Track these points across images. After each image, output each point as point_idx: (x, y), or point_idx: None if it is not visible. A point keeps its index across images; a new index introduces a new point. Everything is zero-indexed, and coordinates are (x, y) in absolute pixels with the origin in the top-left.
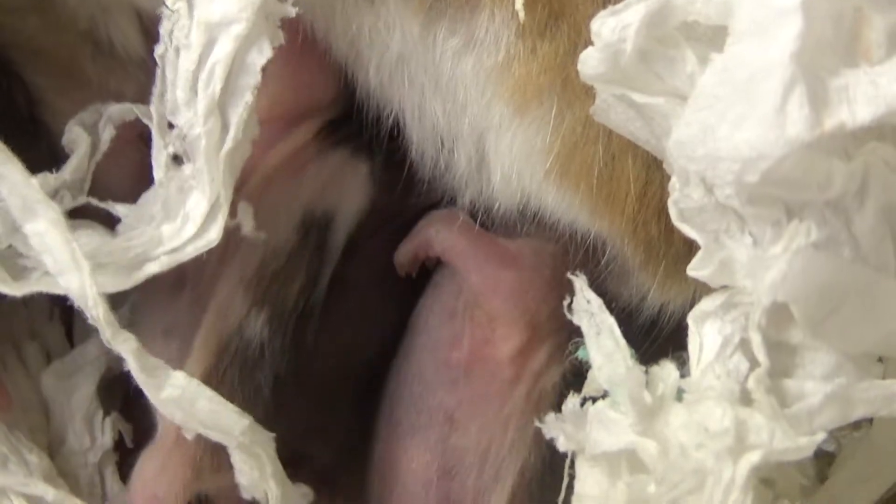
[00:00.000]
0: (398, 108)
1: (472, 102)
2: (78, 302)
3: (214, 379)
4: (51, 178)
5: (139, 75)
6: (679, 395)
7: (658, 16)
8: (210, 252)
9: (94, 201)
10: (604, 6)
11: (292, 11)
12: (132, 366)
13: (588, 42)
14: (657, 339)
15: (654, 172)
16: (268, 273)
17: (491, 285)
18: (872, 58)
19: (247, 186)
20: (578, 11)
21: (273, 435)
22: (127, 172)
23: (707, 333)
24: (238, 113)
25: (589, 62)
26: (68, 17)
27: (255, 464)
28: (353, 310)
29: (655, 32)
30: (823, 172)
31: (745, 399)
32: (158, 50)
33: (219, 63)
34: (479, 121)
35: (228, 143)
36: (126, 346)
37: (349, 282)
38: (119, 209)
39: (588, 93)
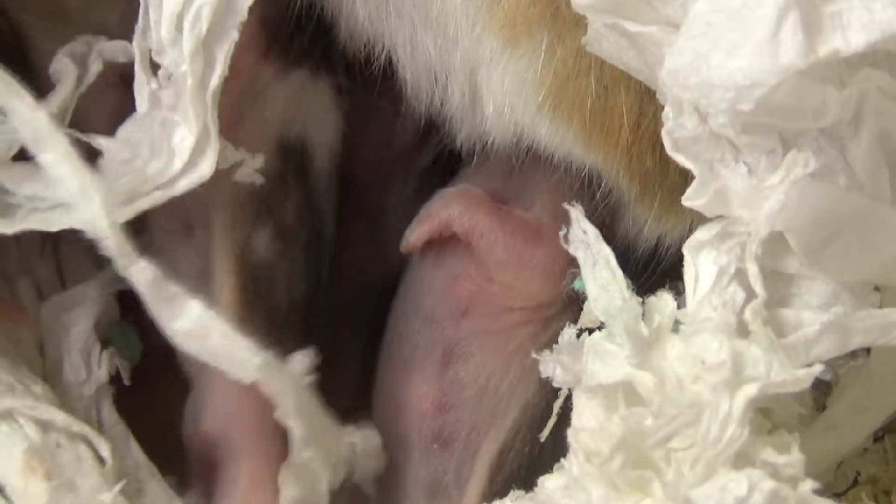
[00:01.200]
0: (389, 43)
1: (462, 36)
2: (91, 231)
3: (242, 301)
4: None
5: (121, 5)
6: (676, 326)
7: None
8: (203, 188)
9: (77, 134)
10: None
11: None
12: (147, 295)
13: None
14: (655, 271)
15: (647, 104)
16: (260, 192)
17: (516, 261)
18: None
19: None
20: None
21: (291, 369)
22: (106, 114)
23: (703, 264)
24: (224, 50)
25: None
26: None
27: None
28: (365, 243)
29: None
30: (818, 100)
31: (742, 330)
32: None
33: (206, 5)
34: (470, 55)
35: (215, 80)
36: (142, 276)
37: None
38: (102, 142)
39: (579, 24)
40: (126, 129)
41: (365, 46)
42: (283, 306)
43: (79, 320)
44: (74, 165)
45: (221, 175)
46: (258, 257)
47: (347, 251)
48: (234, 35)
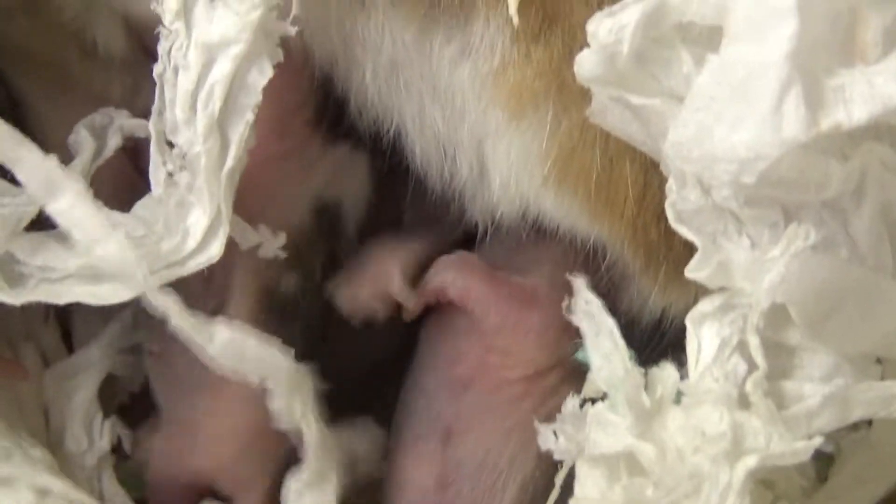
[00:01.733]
0: (398, 117)
1: (470, 109)
2: (116, 267)
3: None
4: None
5: (124, 77)
6: (678, 397)
7: (654, 17)
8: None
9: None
10: (598, 9)
11: (292, 30)
12: (182, 324)
13: (583, 46)
14: (660, 342)
15: (652, 176)
16: (292, 246)
17: (511, 325)
18: (868, 57)
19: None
20: (572, 15)
21: (308, 374)
22: (108, 184)
23: (705, 335)
24: (239, 131)
25: (585, 64)
26: (56, 18)
27: (294, 400)
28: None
29: (651, 33)
30: (820, 173)
31: (743, 402)
32: (157, 69)
33: (218, 83)
34: (477, 127)
35: (230, 162)
36: (174, 306)
37: None
38: (115, 217)
39: (584, 97)
40: (141, 207)
41: (375, 121)
42: (299, 335)
43: (80, 388)
44: (90, 207)
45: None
46: (282, 293)
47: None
48: (249, 116)
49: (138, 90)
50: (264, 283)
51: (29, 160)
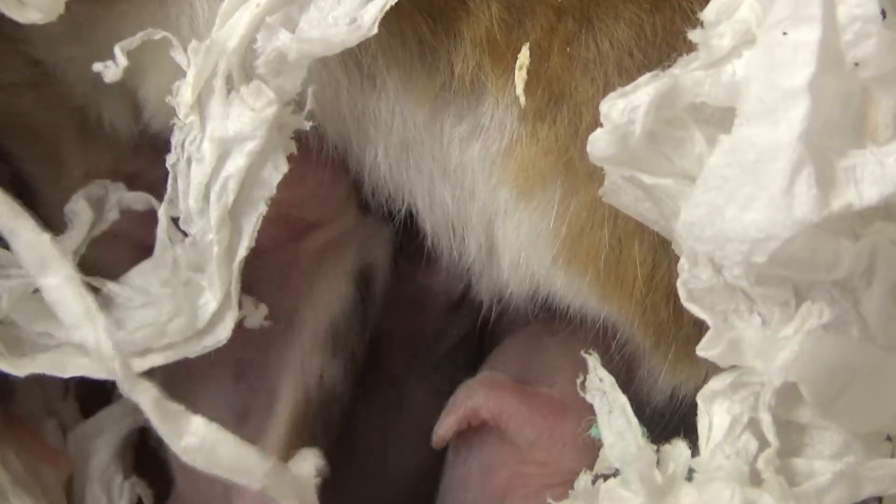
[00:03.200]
0: (410, 196)
1: (479, 188)
2: (94, 355)
3: (301, 432)
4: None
5: (122, 150)
6: (689, 474)
7: (667, 97)
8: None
9: (86, 279)
10: (603, 89)
11: (306, 125)
12: (152, 415)
13: (589, 124)
14: (672, 419)
15: (661, 255)
16: (339, 331)
17: (546, 438)
18: (879, 138)
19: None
20: (578, 94)
21: (298, 474)
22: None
23: (716, 413)
24: (251, 222)
25: (598, 144)
26: (64, 94)
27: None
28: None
29: (664, 114)
30: (831, 253)
31: (755, 479)
32: (170, 160)
33: (232, 177)
34: (486, 207)
35: (241, 252)
36: (146, 396)
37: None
38: (116, 289)
39: (593, 176)
40: (146, 281)
41: (388, 199)
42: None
43: (100, 450)
44: (78, 290)
45: (297, 323)
46: (326, 387)
47: (364, 440)
48: (262, 208)
49: (127, 164)
50: (308, 384)
51: (24, 234)
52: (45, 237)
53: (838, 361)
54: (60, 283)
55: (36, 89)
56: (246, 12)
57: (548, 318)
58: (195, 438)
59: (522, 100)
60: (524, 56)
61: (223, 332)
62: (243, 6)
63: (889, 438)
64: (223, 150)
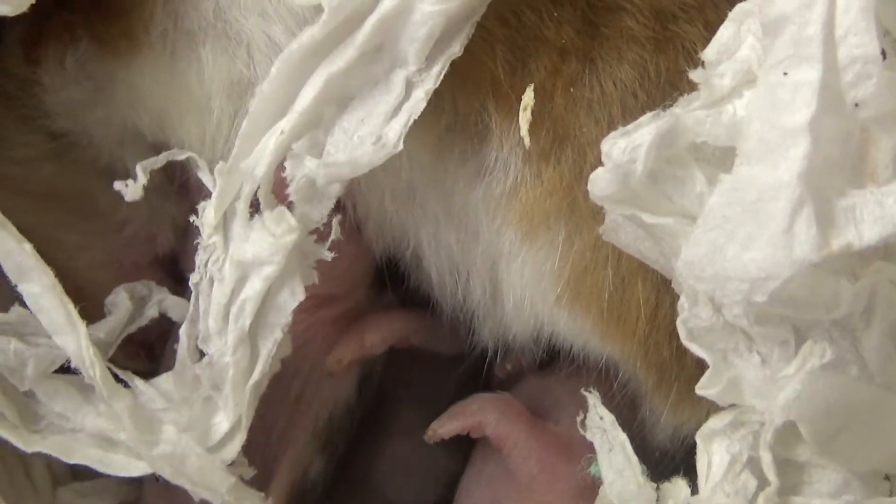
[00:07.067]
0: (415, 239)
1: (483, 230)
2: (75, 362)
3: None
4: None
5: (154, 204)
6: None
7: (668, 137)
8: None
9: (114, 369)
10: (607, 129)
11: (328, 255)
12: (126, 423)
13: (593, 164)
14: (672, 457)
15: (663, 295)
16: (334, 424)
17: (548, 475)
18: (879, 178)
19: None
20: (582, 135)
21: (262, 494)
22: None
23: (715, 451)
24: (268, 347)
25: (599, 182)
26: (90, 156)
27: None
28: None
29: (665, 153)
30: (831, 292)
31: None
32: (193, 278)
33: (249, 300)
34: (490, 248)
35: (256, 376)
36: (122, 403)
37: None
38: (140, 387)
39: (595, 217)
40: (171, 389)
41: (393, 243)
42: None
43: None
44: (59, 298)
45: (304, 404)
46: (309, 482)
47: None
48: (279, 335)
49: (156, 221)
50: (295, 477)
51: (5, 245)
52: (26, 246)
53: (837, 400)
54: (41, 291)
55: (56, 159)
56: (272, 139)
57: (550, 358)
58: (168, 447)
59: (527, 141)
60: (529, 97)
61: (231, 453)
62: (269, 133)
63: (888, 477)
64: (242, 273)
